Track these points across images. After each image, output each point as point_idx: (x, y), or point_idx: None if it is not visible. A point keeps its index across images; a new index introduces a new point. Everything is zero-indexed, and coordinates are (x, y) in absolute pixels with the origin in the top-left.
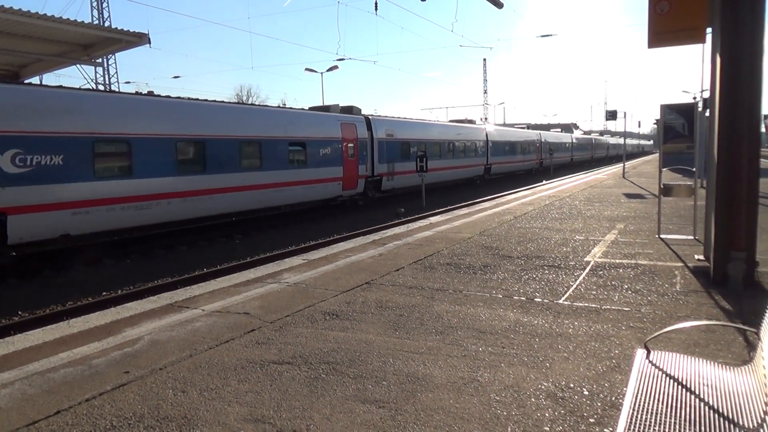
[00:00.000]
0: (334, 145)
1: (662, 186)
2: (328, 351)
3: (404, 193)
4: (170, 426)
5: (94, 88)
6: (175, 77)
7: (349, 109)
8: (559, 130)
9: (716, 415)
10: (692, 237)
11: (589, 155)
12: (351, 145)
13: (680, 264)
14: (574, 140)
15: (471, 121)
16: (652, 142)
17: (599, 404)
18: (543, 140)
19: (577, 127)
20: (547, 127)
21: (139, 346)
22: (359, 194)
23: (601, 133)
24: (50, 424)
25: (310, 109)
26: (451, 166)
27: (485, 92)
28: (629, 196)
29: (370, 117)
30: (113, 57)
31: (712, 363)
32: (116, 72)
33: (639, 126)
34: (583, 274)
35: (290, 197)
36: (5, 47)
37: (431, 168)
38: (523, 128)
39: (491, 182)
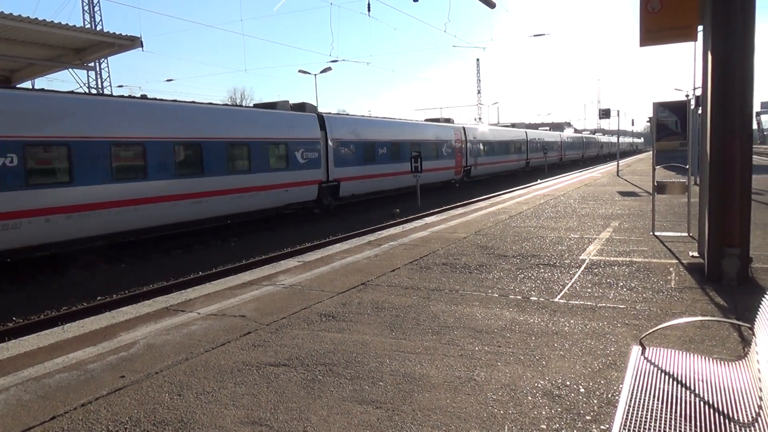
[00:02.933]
0: None
1: (656, 183)
2: (324, 352)
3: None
4: (167, 430)
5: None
6: (169, 80)
7: None
8: (510, 124)
9: (711, 411)
10: (686, 234)
11: (556, 157)
12: None
13: (675, 261)
14: (530, 138)
15: (302, 107)
16: (642, 139)
17: (595, 401)
18: (473, 138)
19: (570, 126)
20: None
21: (135, 350)
22: None
23: (574, 130)
24: (46, 430)
25: None
26: (223, 189)
27: (479, 92)
28: (623, 194)
29: None
30: (106, 61)
31: (707, 359)
32: (109, 76)
33: (632, 124)
34: (579, 273)
35: None
36: None
37: (161, 197)
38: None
39: (344, 212)
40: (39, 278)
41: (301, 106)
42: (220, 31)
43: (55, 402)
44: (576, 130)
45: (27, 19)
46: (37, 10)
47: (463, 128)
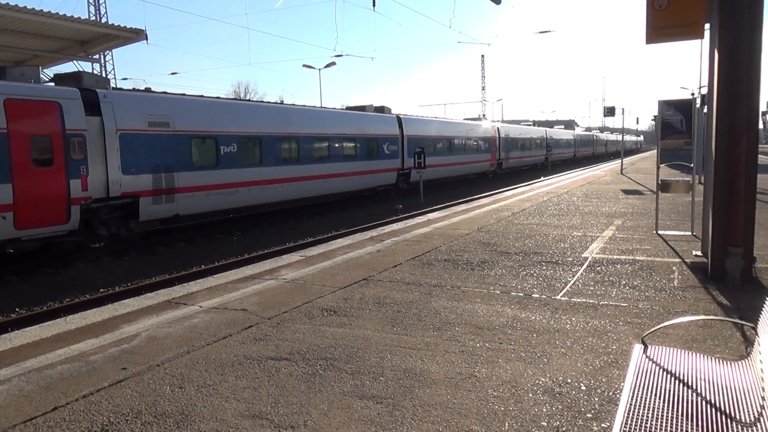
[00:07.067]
0: None
1: (660, 182)
2: (325, 347)
3: None
4: (168, 422)
5: None
6: (173, 73)
7: None
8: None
9: (713, 410)
10: (690, 233)
11: (488, 162)
12: None
13: (678, 260)
14: (408, 132)
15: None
16: (641, 138)
17: (597, 399)
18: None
19: (577, 125)
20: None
21: (137, 343)
22: None
23: (533, 123)
24: (47, 421)
25: None
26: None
27: (483, 88)
28: (627, 192)
29: None
30: (110, 53)
31: (710, 358)
32: (113, 68)
33: (637, 122)
34: (581, 270)
35: None
36: (2, 44)
37: None
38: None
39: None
40: (42, 270)
41: (478, 118)
42: (225, 24)
43: (57, 393)
44: (582, 127)
45: (32, 11)
46: (42, 2)
47: (297, 111)
